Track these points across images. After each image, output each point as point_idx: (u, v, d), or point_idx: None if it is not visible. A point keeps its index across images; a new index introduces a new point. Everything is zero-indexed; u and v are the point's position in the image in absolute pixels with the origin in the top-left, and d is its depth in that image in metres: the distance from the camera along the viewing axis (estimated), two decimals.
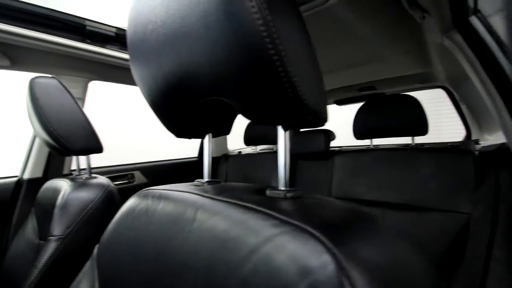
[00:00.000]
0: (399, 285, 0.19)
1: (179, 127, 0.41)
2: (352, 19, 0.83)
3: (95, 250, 0.42)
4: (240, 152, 2.12)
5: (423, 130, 1.09)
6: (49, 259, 0.62)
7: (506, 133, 0.57)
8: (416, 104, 1.10)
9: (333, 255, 0.18)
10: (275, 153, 1.72)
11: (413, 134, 1.12)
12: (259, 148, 1.99)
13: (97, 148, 0.84)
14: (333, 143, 1.49)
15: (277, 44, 0.22)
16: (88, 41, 1.03)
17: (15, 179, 1.15)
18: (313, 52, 0.28)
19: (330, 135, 1.38)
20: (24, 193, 1.12)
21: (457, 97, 1.50)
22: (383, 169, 1.11)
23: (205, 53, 0.26)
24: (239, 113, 0.45)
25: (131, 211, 0.40)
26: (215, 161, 2.02)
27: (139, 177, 1.57)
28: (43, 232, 0.83)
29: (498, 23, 0.56)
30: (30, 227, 0.91)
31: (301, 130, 1.99)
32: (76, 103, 0.81)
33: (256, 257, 0.22)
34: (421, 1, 0.69)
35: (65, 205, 0.70)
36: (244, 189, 0.35)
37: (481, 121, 1.42)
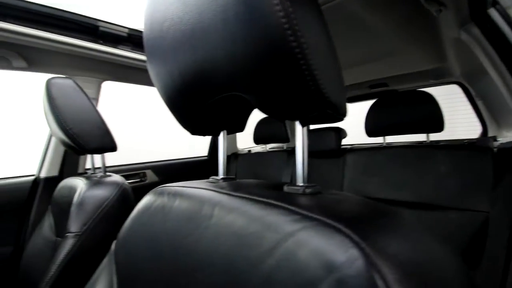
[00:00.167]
0: (430, 281, 0.18)
1: (194, 124, 0.41)
2: (365, 14, 0.82)
3: (113, 246, 0.43)
4: (249, 150, 2.13)
5: (439, 127, 1.06)
6: (67, 255, 0.64)
7: None
8: (431, 100, 1.08)
9: (361, 250, 0.18)
10: (285, 152, 1.72)
11: (428, 130, 1.10)
12: (269, 146, 1.98)
13: (111, 147, 0.86)
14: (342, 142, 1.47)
15: (298, 37, 0.21)
16: (101, 41, 1.05)
17: (32, 178, 1.18)
18: (333, 45, 0.27)
19: (341, 133, 1.36)
20: (41, 191, 1.16)
21: (472, 92, 1.45)
22: (396, 167, 1.09)
23: (223, 48, 0.26)
24: (253, 109, 0.45)
25: (147, 208, 0.41)
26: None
27: (150, 176, 1.59)
28: (60, 229, 0.85)
29: None
30: (47, 224, 0.93)
31: (312, 127, 1.97)
32: (91, 102, 0.83)
33: (278, 252, 0.22)
34: None
35: (81, 203, 0.71)
36: (261, 185, 0.35)
37: (499, 117, 1.38)
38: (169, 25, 0.31)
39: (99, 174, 0.88)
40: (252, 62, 0.25)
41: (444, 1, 0.69)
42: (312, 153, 1.53)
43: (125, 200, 0.78)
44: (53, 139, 1.20)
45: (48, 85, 0.77)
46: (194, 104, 0.36)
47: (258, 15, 0.22)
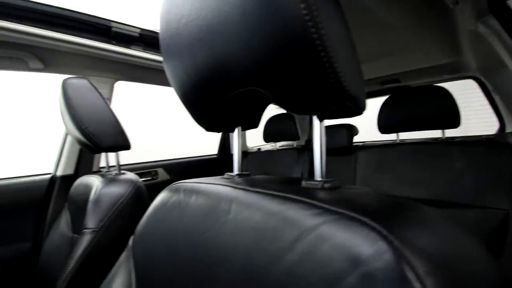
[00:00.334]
0: (461, 273, 0.18)
1: (209, 120, 0.41)
2: (377, 8, 0.80)
3: (130, 241, 0.44)
4: (259, 149, 2.13)
5: (455, 122, 1.03)
6: (84, 251, 0.66)
7: None
8: (447, 95, 1.05)
9: (390, 243, 0.18)
10: (295, 149, 1.71)
11: (444, 126, 1.07)
12: (279, 144, 1.98)
13: (125, 145, 0.87)
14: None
15: (319, 28, 0.21)
16: (114, 42, 1.06)
17: (49, 176, 1.22)
18: (351, 37, 0.27)
19: (353, 130, 1.34)
20: (58, 189, 1.19)
21: (489, 87, 1.41)
22: (410, 164, 1.07)
23: (241, 43, 0.26)
24: (268, 105, 0.45)
25: (163, 204, 0.41)
26: None
27: (162, 174, 1.61)
28: (76, 226, 0.87)
29: None
30: (64, 221, 0.96)
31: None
32: (106, 102, 0.84)
33: (299, 247, 0.22)
34: None
35: (97, 200, 0.73)
36: (278, 181, 0.35)
37: None
38: (186, 22, 0.31)
39: (114, 172, 0.89)
40: (270, 55, 0.25)
41: None
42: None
43: (139, 197, 0.80)
44: (69, 139, 1.23)
45: (64, 85, 0.79)
46: (210, 101, 0.36)
47: (278, 6, 0.22)
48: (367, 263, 0.18)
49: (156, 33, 1.18)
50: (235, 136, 0.43)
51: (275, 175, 1.75)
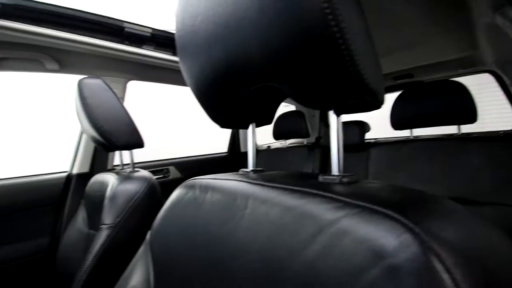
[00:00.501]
0: (489, 265, 0.18)
1: (224, 117, 0.41)
2: (390, 1, 0.79)
3: (148, 236, 0.45)
4: (269, 146, 2.13)
5: (472, 118, 1.01)
6: (102, 245, 0.68)
7: None
8: (463, 90, 1.02)
9: (416, 235, 0.18)
10: (305, 147, 1.70)
11: (460, 122, 1.04)
12: (288, 142, 1.97)
13: (139, 143, 0.89)
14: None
15: (340, 22, 0.21)
16: (126, 42, 1.08)
17: (65, 174, 1.25)
18: (370, 30, 0.27)
19: (364, 126, 1.33)
20: (74, 186, 1.22)
21: (507, 81, 1.37)
22: (425, 161, 1.05)
23: (258, 38, 0.26)
24: (282, 101, 0.45)
25: (179, 199, 0.42)
26: (244, 156, 2.05)
27: (173, 172, 1.63)
28: (92, 222, 0.89)
29: None
30: (81, 217, 0.98)
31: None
32: (119, 101, 0.86)
33: (320, 240, 0.22)
34: None
35: (113, 197, 0.75)
36: (294, 176, 0.35)
37: None
38: (202, 19, 0.32)
39: (128, 169, 0.91)
40: (288, 50, 0.25)
41: None
42: None
43: (153, 194, 0.81)
44: (84, 138, 1.26)
45: (80, 85, 0.81)
46: (225, 98, 0.36)
47: (297, 1, 0.22)
48: (391, 255, 0.18)
49: (167, 32, 1.19)
50: (249, 132, 0.43)
51: None
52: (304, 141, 1.84)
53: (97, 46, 1.01)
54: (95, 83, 0.83)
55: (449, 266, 0.16)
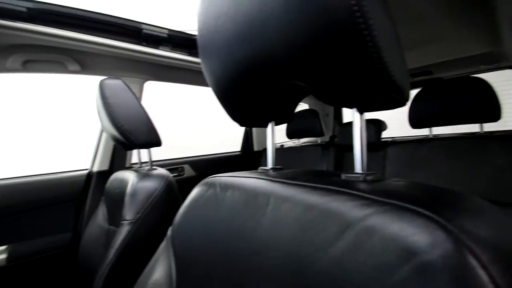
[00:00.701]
0: None
1: (244, 116, 0.42)
2: None
3: (169, 232, 0.46)
4: (282, 145, 2.12)
5: (495, 116, 0.97)
6: (123, 240, 0.70)
7: None
8: (485, 86, 0.99)
9: (449, 232, 0.17)
10: (319, 146, 1.69)
11: (482, 120, 1.01)
12: (302, 141, 1.96)
13: (157, 142, 0.91)
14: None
15: (367, 18, 0.21)
16: (144, 43, 1.11)
17: (86, 171, 1.30)
18: (396, 26, 0.26)
19: (381, 125, 1.30)
20: (94, 183, 1.27)
21: None
22: (445, 161, 1.02)
23: (282, 37, 0.26)
24: (302, 99, 0.45)
25: (200, 196, 0.43)
26: (257, 155, 2.05)
27: (188, 170, 1.66)
28: (112, 218, 0.92)
29: None
30: (101, 213, 1.02)
31: (347, 121, 1.91)
32: (138, 101, 0.89)
33: (346, 237, 0.22)
34: None
35: (134, 193, 0.77)
36: (315, 174, 0.35)
37: None
38: (225, 19, 0.32)
39: (146, 167, 0.94)
40: (314, 47, 0.25)
41: None
42: (349, 147, 1.48)
43: (171, 191, 0.83)
44: (103, 137, 1.30)
45: (101, 85, 0.84)
46: (246, 96, 0.37)
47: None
48: (424, 253, 0.17)
49: (183, 33, 1.21)
50: (268, 131, 0.44)
51: None
52: (318, 140, 1.83)
53: (116, 48, 1.04)
54: (115, 83, 0.86)
55: (485, 262, 0.16)
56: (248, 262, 0.31)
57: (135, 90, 1.28)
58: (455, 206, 0.21)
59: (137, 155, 1.01)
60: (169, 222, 0.47)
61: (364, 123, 0.30)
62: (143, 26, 1.08)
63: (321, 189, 0.28)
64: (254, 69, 0.32)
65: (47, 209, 1.17)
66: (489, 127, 1.05)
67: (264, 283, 0.28)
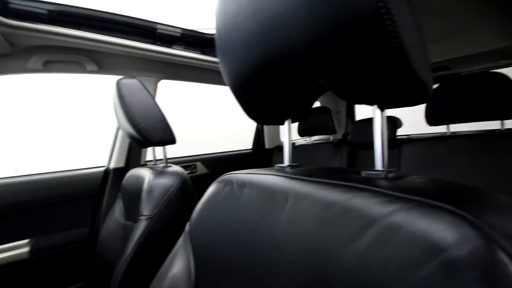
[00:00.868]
0: None
1: (261, 113, 0.42)
2: None
3: (187, 227, 0.47)
4: (293, 143, 2.12)
5: None
6: (141, 235, 0.72)
7: None
8: (506, 82, 0.95)
9: (478, 228, 0.17)
10: (331, 144, 1.67)
11: (503, 117, 0.97)
12: (313, 138, 1.95)
13: (171, 139, 0.93)
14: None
15: (392, 15, 0.21)
16: (158, 43, 1.13)
17: (103, 168, 1.34)
18: (419, 21, 0.26)
19: (396, 122, 1.28)
20: (111, 180, 1.30)
21: None
22: (464, 159, 0.99)
23: (304, 33, 0.26)
24: (319, 97, 0.44)
25: (217, 193, 0.44)
26: (268, 152, 2.05)
27: (200, 168, 1.68)
28: (129, 214, 0.95)
29: None
30: (118, 209, 1.05)
31: (359, 118, 1.88)
32: (154, 100, 0.90)
33: (370, 234, 0.22)
34: None
35: (150, 190, 0.79)
36: (333, 171, 0.35)
37: None
38: (244, 17, 0.32)
39: (161, 164, 0.96)
40: (337, 43, 0.24)
41: None
42: (362, 145, 1.46)
43: (185, 188, 0.85)
44: (119, 135, 1.34)
45: (119, 85, 0.86)
46: (264, 94, 0.37)
47: None
48: (452, 249, 0.17)
49: (196, 32, 1.22)
50: (285, 128, 0.44)
51: None
52: (330, 137, 1.81)
53: (132, 48, 1.06)
54: (132, 82, 0.88)
55: None
56: (267, 257, 0.31)
57: (150, 89, 1.30)
58: (481, 203, 0.21)
59: (152, 153, 1.03)
60: (184, 217, 0.48)
61: (385, 120, 0.30)
62: (158, 26, 1.10)
63: (342, 186, 0.28)
64: (273, 66, 0.32)
65: (67, 204, 1.21)
66: (510, 124, 1.02)
67: (283, 279, 0.29)
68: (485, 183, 0.93)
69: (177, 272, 0.44)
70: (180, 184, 0.83)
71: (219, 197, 0.43)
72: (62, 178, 1.22)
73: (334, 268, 0.24)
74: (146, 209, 0.75)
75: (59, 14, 0.91)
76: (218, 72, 1.42)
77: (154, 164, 1.00)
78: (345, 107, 2.16)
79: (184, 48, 1.21)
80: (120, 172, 1.28)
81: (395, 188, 0.24)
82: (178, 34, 1.16)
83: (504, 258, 0.16)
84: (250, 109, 0.42)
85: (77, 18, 0.95)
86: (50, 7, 0.90)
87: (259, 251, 0.32)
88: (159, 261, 0.49)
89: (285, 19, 0.27)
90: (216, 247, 0.39)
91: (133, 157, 1.36)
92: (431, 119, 1.12)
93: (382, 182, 0.27)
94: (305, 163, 1.73)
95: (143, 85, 0.90)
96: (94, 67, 1.12)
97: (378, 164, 0.30)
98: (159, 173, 0.85)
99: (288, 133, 0.44)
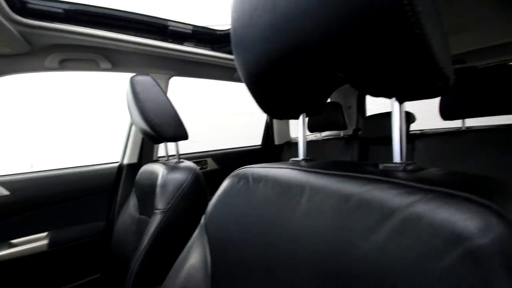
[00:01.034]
0: None
1: (276, 107, 0.42)
2: None
3: (202, 220, 0.48)
4: None
5: None
6: (156, 228, 0.74)
7: None
8: None
9: (502, 217, 0.17)
10: (342, 139, 1.66)
11: None
12: (323, 134, 1.94)
13: (184, 135, 0.94)
14: None
15: (415, 5, 0.21)
16: (170, 40, 1.14)
17: (117, 164, 1.37)
18: (441, 12, 0.26)
19: (409, 116, 1.25)
20: (125, 175, 1.33)
21: None
22: (480, 154, 0.97)
23: (324, 27, 0.26)
24: (333, 91, 0.44)
25: (232, 187, 0.44)
26: (278, 148, 2.05)
27: (210, 163, 1.70)
28: (143, 208, 0.97)
29: None
30: (132, 204, 1.07)
31: (370, 114, 1.86)
32: (166, 96, 0.92)
33: (389, 224, 0.22)
34: None
35: (164, 184, 0.81)
36: (349, 164, 0.35)
37: None
38: (262, 12, 0.32)
39: (174, 160, 0.97)
40: (355, 35, 0.24)
41: None
42: (374, 140, 1.44)
43: (198, 183, 0.86)
44: (133, 131, 1.36)
45: (132, 82, 0.88)
46: (279, 88, 0.37)
47: None
48: (476, 237, 0.17)
49: (206, 28, 1.23)
50: (300, 122, 0.44)
51: None
52: (341, 133, 1.79)
53: (144, 45, 1.08)
54: (145, 79, 0.89)
55: None
56: (283, 249, 0.32)
57: (161, 86, 1.32)
58: (504, 193, 0.21)
59: (164, 149, 1.05)
60: (197, 211, 0.49)
61: (403, 113, 0.30)
62: (169, 23, 1.11)
63: (360, 178, 0.28)
64: (290, 59, 0.32)
65: (83, 199, 1.25)
66: None
67: (299, 270, 0.29)
68: (503, 178, 0.91)
69: (194, 263, 0.45)
70: (193, 179, 0.84)
71: (234, 190, 0.44)
72: (77, 173, 1.26)
73: (352, 258, 0.24)
74: (160, 203, 0.77)
75: (75, 13, 0.93)
76: (228, 69, 1.44)
77: (166, 160, 1.02)
78: (355, 103, 2.13)
79: (195, 45, 1.22)
80: (133, 168, 1.31)
81: (414, 179, 0.24)
82: (189, 31, 1.17)
83: None
84: (265, 104, 0.42)
85: (92, 17, 0.97)
86: (67, 6, 0.92)
87: (275, 243, 0.33)
88: (173, 253, 0.50)
89: (303, 12, 0.27)
90: (232, 239, 0.40)
91: (146, 153, 1.39)
92: (446, 113, 1.09)
93: (401, 174, 0.27)
94: (316, 158, 1.72)
95: (156, 81, 0.91)
96: (108, 65, 1.14)
97: (396, 157, 0.30)
98: (172, 168, 0.86)
99: (303, 127, 0.44)
